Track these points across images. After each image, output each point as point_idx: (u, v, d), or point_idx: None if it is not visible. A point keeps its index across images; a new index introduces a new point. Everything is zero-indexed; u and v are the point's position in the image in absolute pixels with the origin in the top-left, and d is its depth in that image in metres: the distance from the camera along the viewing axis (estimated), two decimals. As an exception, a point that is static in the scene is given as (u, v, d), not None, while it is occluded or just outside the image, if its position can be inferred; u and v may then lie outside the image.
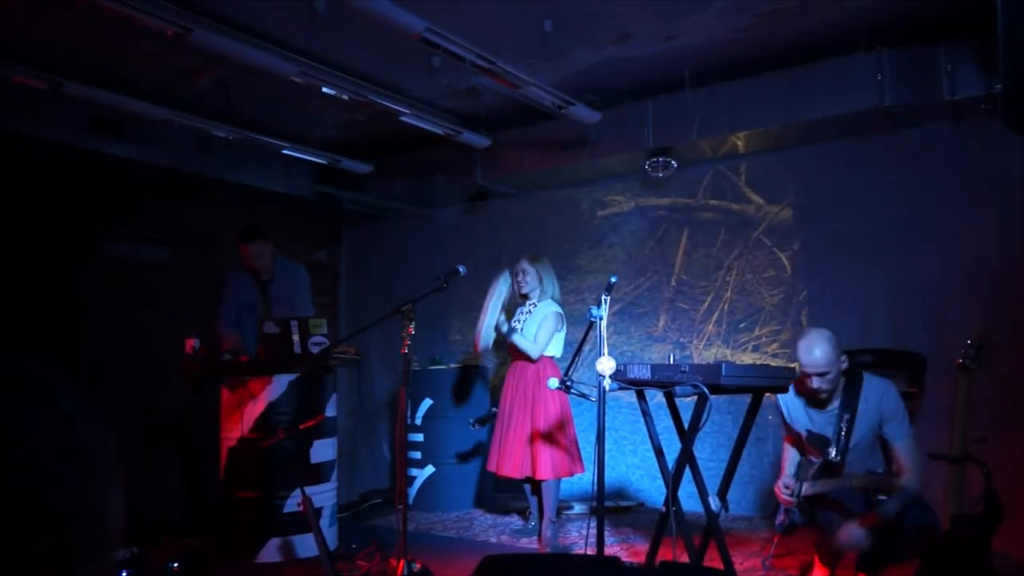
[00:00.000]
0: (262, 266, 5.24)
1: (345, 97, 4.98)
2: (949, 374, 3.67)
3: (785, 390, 3.67)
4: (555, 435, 4.84)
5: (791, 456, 3.80)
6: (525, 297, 5.17)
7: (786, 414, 3.70)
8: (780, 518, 3.60)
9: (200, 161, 6.03)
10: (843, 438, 3.47)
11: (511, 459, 4.89)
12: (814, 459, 3.55)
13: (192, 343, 4.71)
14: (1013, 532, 4.17)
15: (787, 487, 3.54)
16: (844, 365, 3.46)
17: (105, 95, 4.87)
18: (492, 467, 5.06)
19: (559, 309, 5.05)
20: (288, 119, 5.90)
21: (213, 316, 5.30)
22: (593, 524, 3.43)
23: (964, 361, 3.46)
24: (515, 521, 5.64)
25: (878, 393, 3.46)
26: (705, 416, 3.27)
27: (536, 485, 4.98)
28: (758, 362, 5.55)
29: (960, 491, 3.32)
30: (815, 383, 3.42)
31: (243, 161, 6.33)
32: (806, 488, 3.46)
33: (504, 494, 6.52)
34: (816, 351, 3.40)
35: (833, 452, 3.48)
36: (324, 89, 4.84)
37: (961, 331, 3.55)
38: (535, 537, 5.00)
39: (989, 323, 3.61)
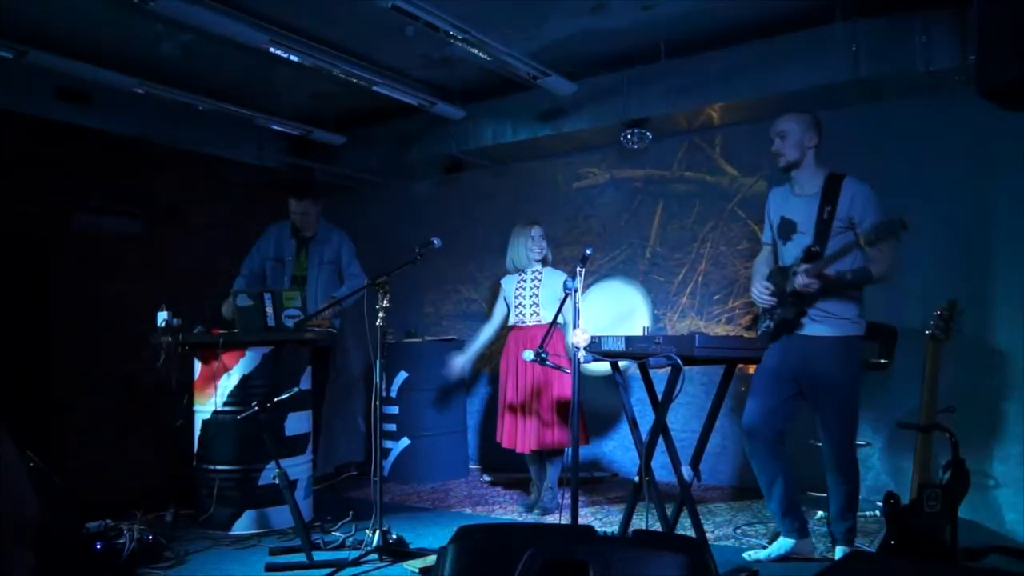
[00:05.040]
0: (306, 223, 5.31)
1: (316, 67, 4.92)
2: (919, 345, 3.72)
3: (758, 361, 3.70)
4: (567, 404, 4.82)
5: (760, 268, 3.92)
6: (518, 270, 5.14)
7: (768, 205, 3.88)
8: (763, 325, 3.75)
9: (170, 132, 5.94)
10: (820, 225, 3.55)
11: (534, 432, 4.86)
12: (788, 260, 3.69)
13: (163, 315, 4.67)
14: (979, 500, 4.26)
15: (766, 288, 3.70)
16: (813, 143, 3.65)
17: (71, 64, 4.78)
18: (507, 443, 5.00)
19: (563, 275, 5.01)
20: (260, 89, 5.82)
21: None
22: (568, 494, 3.46)
23: (934, 332, 3.50)
24: (491, 492, 5.66)
25: (851, 192, 3.52)
26: (678, 387, 3.29)
27: (548, 455, 5.01)
28: (731, 334, 5.59)
29: (928, 460, 3.37)
30: (774, 144, 3.70)
31: (214, 132, 6.24)
32: (795, 282, 3.53)
33: (480, 465, 6.57)
34: (787, 118, 3.68)
35: (809, 238, 3.58)
36: (296, 59, 4.77)
37: (931, 302, 3.59)
38: (540, 511, 4.97)
39: (959, 294, 3.65)
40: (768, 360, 3.71)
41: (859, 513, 4.53)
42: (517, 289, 5.11)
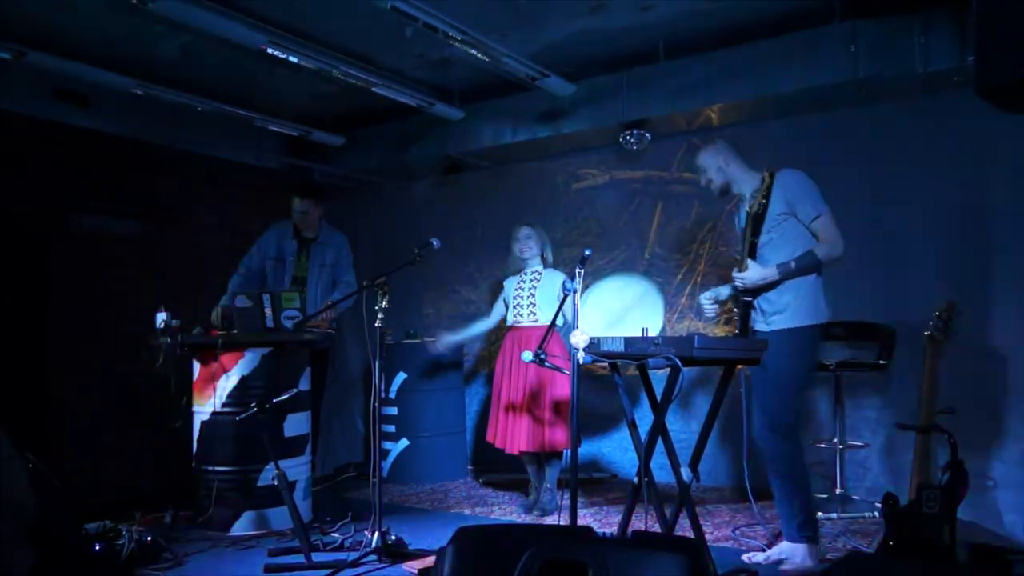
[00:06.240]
0: (307, 223, 5.32)
1: (315, 67, 4.92)
2: (918, 345, 3.73)
3: (757, 362, 3.71)
4: (563, 405, 4.84)
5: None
6: (519, 271, 5.14)
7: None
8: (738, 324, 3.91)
9: (169, 133, 5.94)
10: (755, 218, 3.70)
11: (528, 433, 4.86)
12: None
13: (162, 316, 4.67)
14: (978, 501, 4.26)
15: (707, 299, 3.94)
16: (730, 165, 3.86)
17: (70, 65, 4.78)
18: (499, 443, 5.00)
19: (561, 275, 5.00)
20: (258, 90, 5.81)
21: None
22: (566, 495, 3.46)
23: (932, 332, 3.51)
24: (490, 493, 5.66)
25: (783, 182, 3.68)
26: (678, 388, 3.29)
27: (546, 457, 5.00)
28: (730, 335, 5.59)
29: (927, 460, 3.37)
30: (702, 182, 3.99)
31: (213, 133, 6.24)
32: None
33: (479, 467, 6.56)
34: (700, 155, 3.95)
35: (747, 230, 3.76)
36: (294, 60, 4.77)
37: (930, 303, 3.60)
38: (539, 512, 4.96)
39: (957, 295, 3.65)
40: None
41: (859, 514, 4.56)
42: (516, 289, 5.11)
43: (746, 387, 3.84)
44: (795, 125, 5.38)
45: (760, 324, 3.76)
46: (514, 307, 5.10)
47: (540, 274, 5.04)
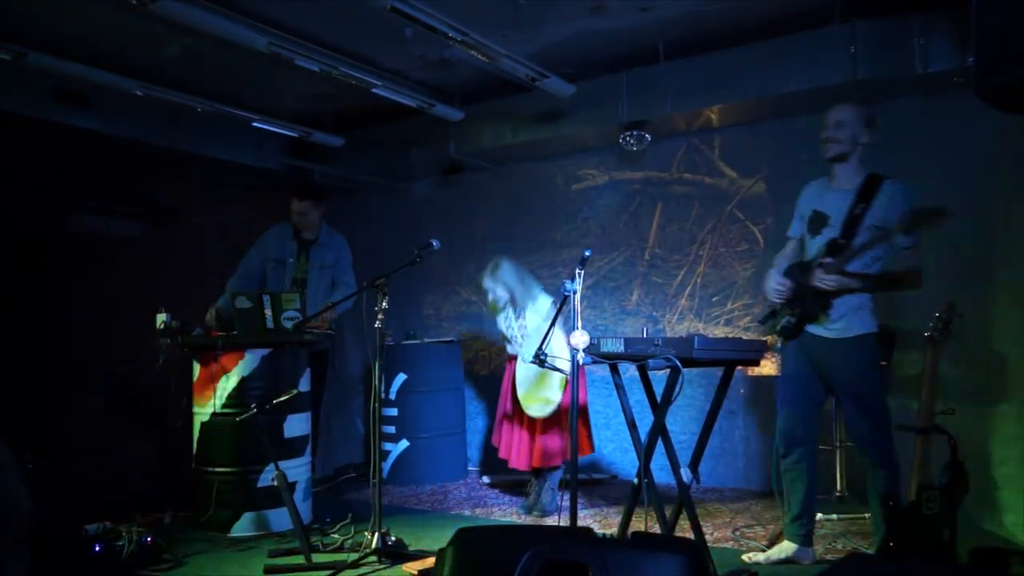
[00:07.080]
0: (306, 224, 5.28)
1: (315, 68, 4.92)
2: (918, 347, 3.72)
3: (757, 363, 3.71)
4: (564, 418, 4.82)
5: (780, 263, 3.83)
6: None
7: (801, 198, 3.81)
8: (783, 320, 3.72)
9: (169, 133, 5.94)
10: (850, 220, 3.49)
11: (528, 449, 4.90)
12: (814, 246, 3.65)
13: (162, 317, 4.66)
14: (978, 502, 4.26)
15: (781, 285, 3.67)
16: (865, 139, 3.57)
17: (69, 66, 4.78)
18: (504, 454, 5.05)
19: (549, 298, 5.03)
20: (259, 91, 5.81)
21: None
22: (567, 496, 3.45)
23: (932, 334, 3.50)
24: (490, 494, 5.66)
25: (891, 192, 3.48)
26: (677, 389, 3.29)
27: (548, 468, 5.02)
28: (730, 335, 5.59)
29: (927, 461, 3.37)
30: (827, 132, 3.58)
31: (213, 133, 6.24)
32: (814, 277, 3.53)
33: (479, 467, 6.56)
34: (846, 104, 3.60)
35: (836, 231, 3.54)
36: (294, 60, 4.77)
37: (930, 304, 3.59)
38: (539, 513, 4.96)
39: (957, 296, 3.65)
40: (793, 365, 3.72)
41: (859, 515, 4.56)
42: (506, 322, 5.15)
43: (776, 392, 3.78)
44: (795, 125, 5.38)
45: (818, 330, 3.62)
46: (509, 340, 5.15)
47: (523, 309, 5.05)
